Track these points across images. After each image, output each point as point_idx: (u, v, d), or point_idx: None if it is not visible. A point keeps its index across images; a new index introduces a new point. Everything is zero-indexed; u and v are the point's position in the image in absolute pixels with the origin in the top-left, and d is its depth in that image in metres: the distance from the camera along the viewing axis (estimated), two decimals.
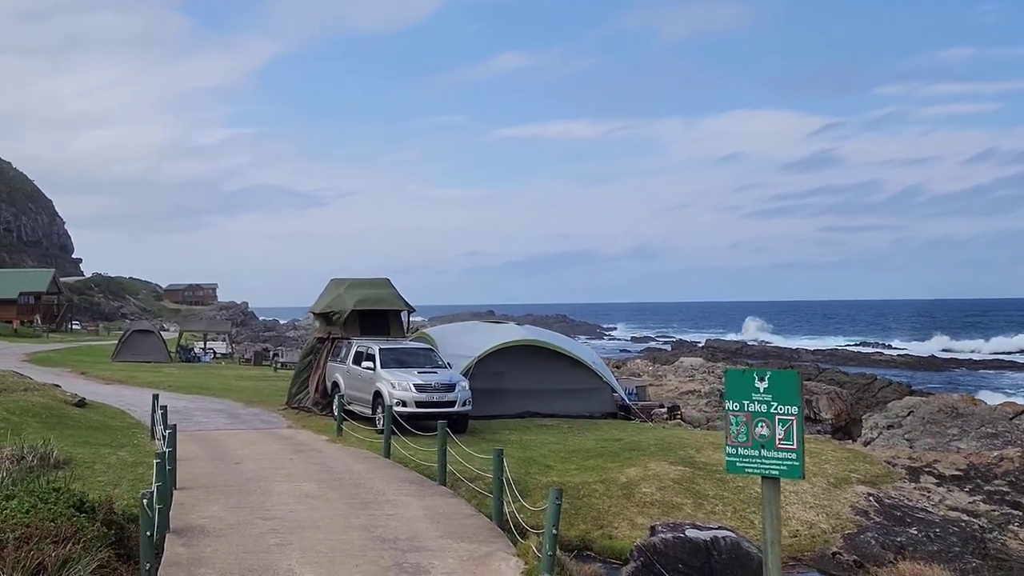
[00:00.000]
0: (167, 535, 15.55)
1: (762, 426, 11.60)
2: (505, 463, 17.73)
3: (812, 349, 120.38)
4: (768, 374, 11.72)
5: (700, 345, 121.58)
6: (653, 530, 16.87)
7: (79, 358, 62.02)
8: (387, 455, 24.39)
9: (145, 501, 12.29)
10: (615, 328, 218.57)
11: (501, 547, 15.39)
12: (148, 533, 12.21)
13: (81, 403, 31.89)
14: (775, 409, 11.52)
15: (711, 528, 16.92)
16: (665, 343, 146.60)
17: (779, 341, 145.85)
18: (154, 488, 15.32)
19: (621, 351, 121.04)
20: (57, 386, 35.05)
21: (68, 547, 11.83)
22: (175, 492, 19.28)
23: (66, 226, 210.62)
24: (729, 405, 11.84)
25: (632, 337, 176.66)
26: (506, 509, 17.18)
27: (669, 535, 16.40)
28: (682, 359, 68.07)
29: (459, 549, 15.16)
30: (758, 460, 11.67)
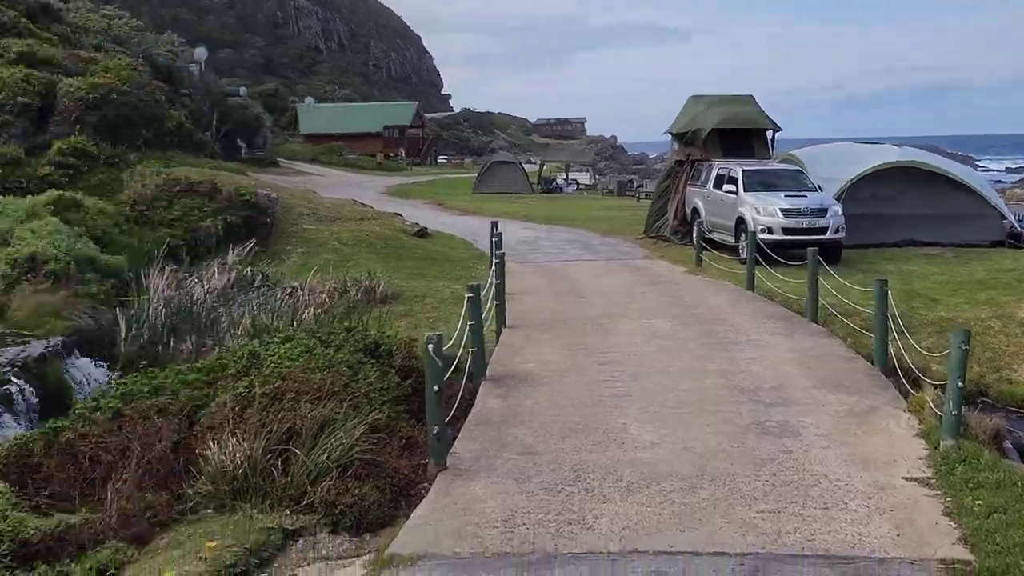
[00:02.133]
0: (483, 383, 13.40)
1: None
2: (889, 296, 14.50)
3: None
4: None
5: None
6: None
7: (439, 190, 61.92)
8: (750, 287, 21.89)
9: (431, 346, 9.66)
10: (986, 159, 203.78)
11: (887, 399, 12.43)
12: (436, 387, 9.64)
13: (421, 233, 30.45)
14: None
15: None
16: None
17: None
18: (465, 327, 13.07)
19: (995, 182, 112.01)
20: (398, 215, 33.80)
21: (331, 405, 9.44)
22: (504, 331, 17.21)
23: (435, 63, 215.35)
24: None
25: (1007, 168, 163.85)
26: (890, 350, 14.16)
27: None
28: None
29: (834, 402, 12.28)
30: None
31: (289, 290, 19.74)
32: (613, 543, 7.87)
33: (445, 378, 10.83)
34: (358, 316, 16.97)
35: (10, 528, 7.77)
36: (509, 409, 12.06)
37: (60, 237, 21.01)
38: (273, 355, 11.02)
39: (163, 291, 19.77)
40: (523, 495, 8.97)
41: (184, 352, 17.33)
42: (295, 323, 15.40)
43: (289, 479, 8.67)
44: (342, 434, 8.99)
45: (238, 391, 9.68)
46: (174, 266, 22.16)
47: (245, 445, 8.63)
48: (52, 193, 24.14)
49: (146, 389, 10.33)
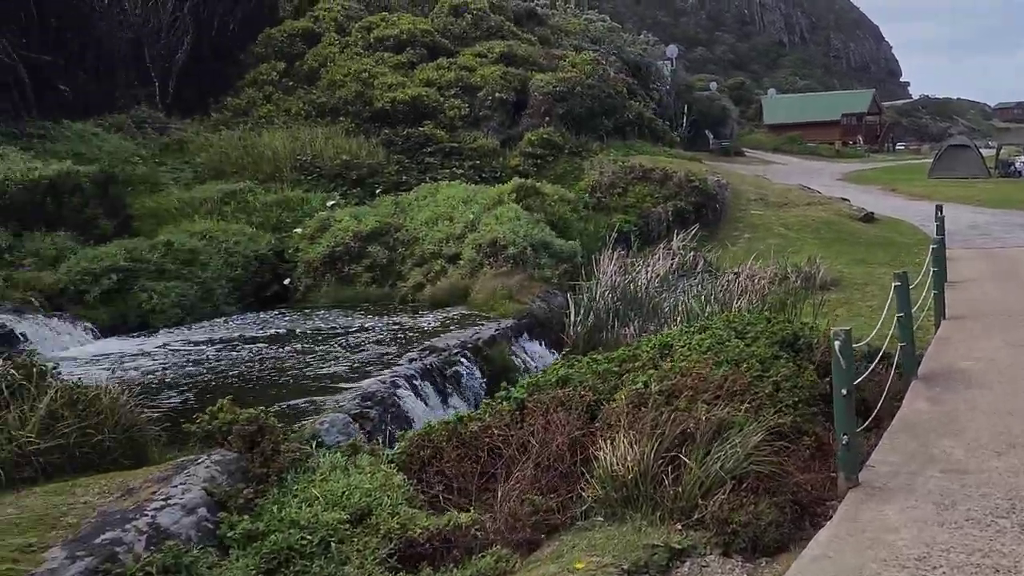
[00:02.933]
0: (912, 382, 11.35)
1: None
2: None
3: None
4: None
5: None
6: None
7: (894, 176, 58.24)
8: None
9: (839, 343, 7.86)
10: None
11: None
12: (844, 391, 7.89)
13: (867, 217, 28.14)
14: None
15: None
16: None
17: None
18: (892, 319, 11.33)
19: None
20: (844, 199, 31.50)
21: (730, 406, 8.06)
22: (942, 323, 14.96)
23: (893, 51, 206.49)
24: None
25: None
26: None
27: None
28: None
29: None
30: None
31: (729, 276, 18.51)
32: None
33: (866, 375, 9.27)
34: (792, 304, 15.52)
35: (398, 526, 7.02)
36: (940, 414, 9.99)
37: (519, 223, 20.96)
38: (684, 346, 9.79)
39: (611, 276, 19.11)
40: (943, 527, 7.02)
41: (627, 337, 16.52)
42: (724, 310, 14.16)
43: (680, 489, 7.33)
44: (737, 441, 7.58)
45: (636, 386, 8.53)
46: (623, 250, 21.56)
47: (636, 448, 7.45)
48: (516, 181, 24.32)
49: (553, 379, 9.43)
